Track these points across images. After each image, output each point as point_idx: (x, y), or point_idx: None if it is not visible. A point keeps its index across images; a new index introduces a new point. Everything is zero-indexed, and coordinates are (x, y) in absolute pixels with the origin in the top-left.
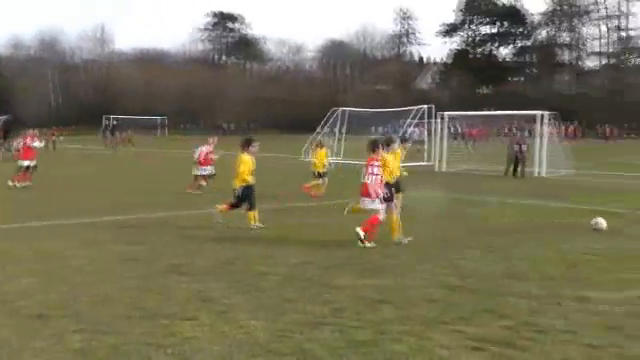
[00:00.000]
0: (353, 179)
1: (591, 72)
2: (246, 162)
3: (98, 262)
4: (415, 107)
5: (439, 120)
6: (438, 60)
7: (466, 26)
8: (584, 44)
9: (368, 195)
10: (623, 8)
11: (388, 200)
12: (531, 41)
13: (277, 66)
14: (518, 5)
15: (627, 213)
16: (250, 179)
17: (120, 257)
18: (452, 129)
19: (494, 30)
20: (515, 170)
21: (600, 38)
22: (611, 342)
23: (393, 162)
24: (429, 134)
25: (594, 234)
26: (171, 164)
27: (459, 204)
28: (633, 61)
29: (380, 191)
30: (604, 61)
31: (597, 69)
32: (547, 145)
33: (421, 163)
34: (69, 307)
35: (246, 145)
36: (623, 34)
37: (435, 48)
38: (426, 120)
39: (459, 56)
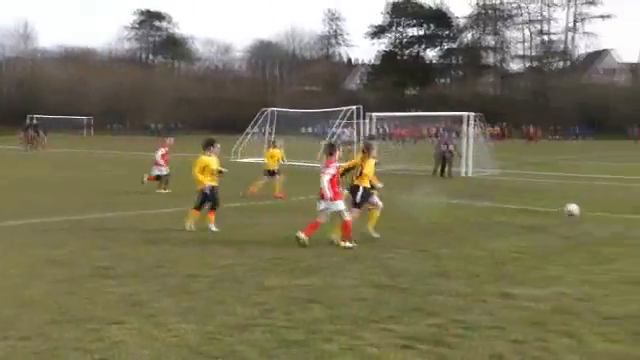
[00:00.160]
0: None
1: (515, 75)
2: (205, 164)
3: (22, 266)
4: (344, 108)
5: (367, 121)
6: (367, 61)
7: (393, 28)
8: (508, 47)
9: (325, 197)
10: (545, 13)
11: (359, 204)
12: (457, 44)
13: (205, 66)
14: (444, 8)
15: (551, 212)
16: (207, 180)
17: (45, 260)
18: (380, 130)
19: (421, 32)
20: (442, 170)
21: (524, 42)
22: (536, 337)
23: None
24: (358, 135)
25: (519, 232)
26: (99, 165)
27: (387, 204)
28: (555, 65)
29: (331, 193)
30: (527, 64)
31: (521, 72)
32: (473, 145)
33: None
34: None
35: (208, 146)
36: (545, 38)
37: (364, 49)
38: (355, 121)
39: (387, 58)
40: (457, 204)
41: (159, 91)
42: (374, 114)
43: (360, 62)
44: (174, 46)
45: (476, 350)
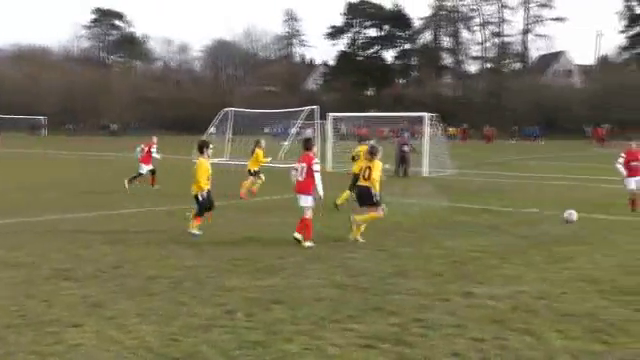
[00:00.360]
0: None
1: (473, 76)
2: (204, 168)
3: None
4: (302, 108)
5: (325, 121)
6: (327, 62)
7: (352, 29)
8: (465, 49)
9: (303, 192)
10: (501, 15)
11: (379, 202)
12: (415, 45)
13: (163, 65)
14: (401, 9)
15: (508, 211)
16: (206, 184)
17: (2, 263)
18: (341, 130)
19: (379, 33)
20: (402, 170)
21: (482, 43)
22: (496, 335)
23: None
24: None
25: (478, 232)
26: (56, 165)
27: (347, 204)
28: (511, 66)
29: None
30: (484, 65)
31: (478, 73)
32: (431, 145)
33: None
34: None
35: (205, 148)
36: (501, 40)
37: (324, 50)
38: (315, 121)
39: (344, 58)
40: (415, 204)
41: (116, 91)
42: (331, 114)
43: (320, 63)
44: (131, 45)
45: (437, 349)
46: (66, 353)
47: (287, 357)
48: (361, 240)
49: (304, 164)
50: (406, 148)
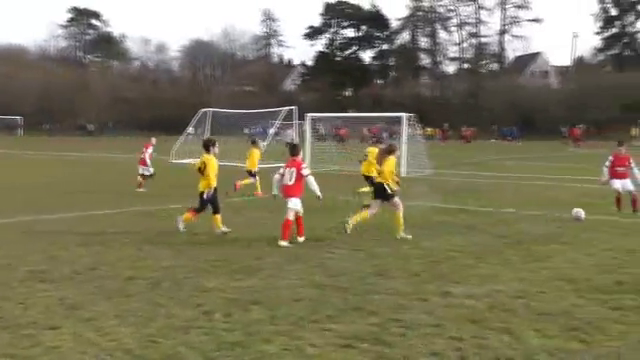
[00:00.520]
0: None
1: (450, 76)
2: (213, 165)
3: None
4: (280, 109)
5: (303, 122)
6: (305, 62)
7: (330, 29)
8: (444, 49)
9: (291, 195)
10: (478, 16)
11: (389, 197)
12: (393, 45)
13: (140, 65)
14: (380, 10)
15: (485, 211)
16: (214, 182)
17: None
18: (320, 130)
19: (357, 34)
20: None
21: (459, 44)
22: (474, 334)
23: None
24: (296, 135)
25: (455, 231)
26: (33, 166)
27: (326, 203)
28: (489, 67)
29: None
30: (462, 66)
31: (456, 74)
32: (409, 146)
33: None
34: None
35: (211, 146)
36: (478, 41)
37: (302, 51)
38: (293, 121)
39: (322, 58)
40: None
41: (93, 91)
42: (309, 115)
43: (299, 63)
44: (108, 45)
45: (416, 348)
46: (43, 355)
47: (266, 358)
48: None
49: (293, 169)
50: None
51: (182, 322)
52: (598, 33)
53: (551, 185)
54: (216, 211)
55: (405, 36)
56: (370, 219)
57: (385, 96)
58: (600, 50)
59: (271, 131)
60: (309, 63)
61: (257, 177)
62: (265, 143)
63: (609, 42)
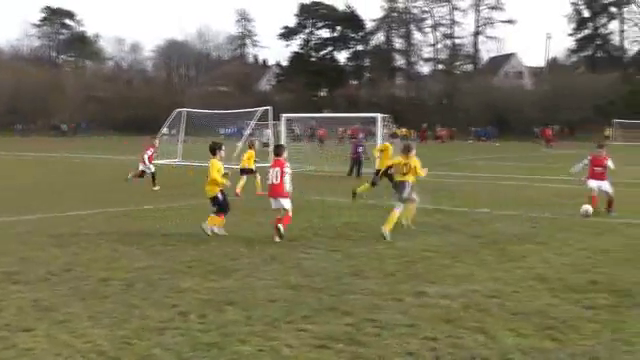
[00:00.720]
0: (190, 181)
1: (425, 77)
2: (219, 168)
3: None
4: (256, 109)
5: (278, 122)
6: (280, 63)
7: (305, 30)
8: (418, 50)
9: (281, 195)
10: (452, 17)
11: (407, 199)
12: (367, 46)
13: (114, 65)
14: (354, 10)
15: (460, 211)
16: (222, 184)
17: None
18: (295, 131)
19: (332, 34)
20: (358, 171)
21: (434, 44)
22: (449, 334)
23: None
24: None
25: (430, 231)
26: (5, 167)
27: (300, 204)
28: (463, 67)
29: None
30: (436, 67)
31: (431, 74)
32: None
33: (266, 165)
34: None
35: (217, 150)
36: (452, 42)
37: (278, 51)
38: (268, 122)
39: (297, 59)
40: (369, 204)
41: (66, 90)
42: (284, 115)
43: (274, 63)
44: (82, 44)
45: (391, 348)
46: (17, 358)
47: (242, 358)
48: (413, 227)
49: (277, 168)
50: (360, 149)
51: (157, 323)
52: (571, 34)
53: (524, 185)
54: (219, 212)
55: (380, 37)
56: (400, 217)
57: (360, 97)
58: (573, 51)
59: (246, 131)
60: (284, 63)
61: (252, 175)
62: (240, 144)
63: (582, 43)
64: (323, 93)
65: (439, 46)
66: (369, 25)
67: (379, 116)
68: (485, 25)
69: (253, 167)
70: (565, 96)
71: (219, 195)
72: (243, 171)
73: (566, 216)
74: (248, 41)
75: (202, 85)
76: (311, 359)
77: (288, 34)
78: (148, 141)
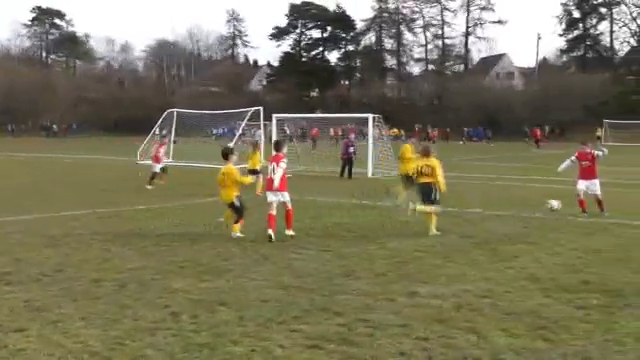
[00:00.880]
0: (185, 181)
1: (416, 77)
2: (236, 173)
3: None
4: (248, 109)
5: (269, 122)
6: (271, 63)
7: (296, 30)
8: (410, 50)
9: (278, 189)
10: (442, 17)
11: (438, 201)
12: (358, 46)
13: (105, 65)
14: (345, 11)
15: (451, 211)
16: (237, 190)
17: None
18: (288, 131)
19: (322, 35)
20: (349, 172)
21: (424, 45)
22: (441, 334)
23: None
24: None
25: (421, 231)
26: None
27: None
28: (454, 68)
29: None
30: (427, 67)
31: (422, 75)
32: (376, 146)
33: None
34: None
35: (230, 154)
36: (443, 42)
37: (269, 51)
38: (259, 122)
39: (288, 59)
40: (360, 205)
41: (57, 91)
42: (275, 115)
43: (265, 63)
44: (72, 44)
45: (383, 348)
46: (9, 358)
47: (234, 359)
48: (435, 232)
49: (274, 163)
50: (351, 149)
51: (149, 324)
52: (561, 35)
53: (516, 185)
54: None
55: (370, 37)
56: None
57: (351, 97)
58: (564, 52)
59: (238, 132)
60: (275, 64)
61: (260, 175)
62: (232, 144)
63: (572, 44)
64: (314, 93)
65: (430, 46)
66: (360, 25)
67: (370, 116)
68: (476, 26)
69: (258, 167)
70: (556, 96)
71: (236, 201)
72: (251, 172)
73: (557, 216)
74: (239, 41)
75: (193, 85)
76: (303, 359)
77: (279, 34)
78: (144, 141)
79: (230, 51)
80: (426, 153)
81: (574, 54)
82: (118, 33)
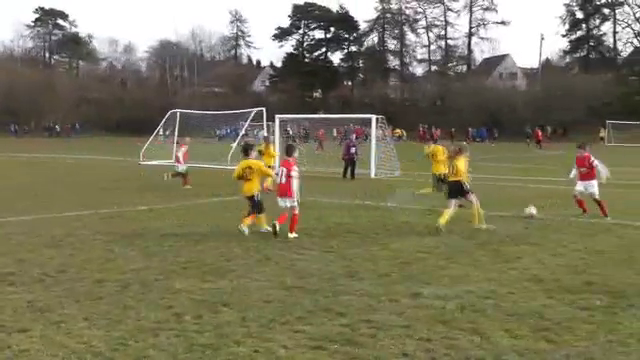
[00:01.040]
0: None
1: (419, 78)
2: (262, 165)
3: None
4: (251, 110)
5: (271, 123)
6: (274, 63)
7: (299, 31)
8: (414, 51)
9: (286, 195)
10: (446, 18)
11: (465, 193)
12: (361, 47)
13: (108, 66)
14: (348, 11)
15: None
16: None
17: None
18: (291, 132)
19: (325, 35)
20: (351, 172)
21: (427, 45)
22: (444, 335)
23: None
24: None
25: (424, 232)
26: None
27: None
28: (457, 68)
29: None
30: (430, 68)
31: (425, 75)
32: (378, 147)
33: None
34: None
35: (250, 150)
36: (446, 43)
37: (271, 52)
38: (262, 123)
39: (292, 60)
40: (362, 205)
41: (60, 91)
42: (278, 116)
43: (268, 64)
44: (75, 45)
45: (386, 349)
46: (12, 359)
47: None
48: (485, 226)
49: (284, 169)
50: (353, 150)
51: (152, 324)
52: (564, 36)
53: (518, 186)
54: (260, 211)
55: (373, 38)
56: (452, 216)
57: (354, 98)
58: (567, 52)
59: (241, 132)
60: (278, 64)
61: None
62: (234, 145)
63: (575, 45)
64: (317, 94)
65: (433, 47)
66: (363, 26)
67: (373, 117)
68: (479, 26)
69: (272, 163)
70: (559, 97)
71: (257, 195)
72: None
73: (560, 217)
74: (242, 42)
75: (196, 86)
76: None
77: (282, 35)
78: (147, 142)
79: (233, 52)
80: (459, 153)
81: (577, 55)
82: (121, 34)
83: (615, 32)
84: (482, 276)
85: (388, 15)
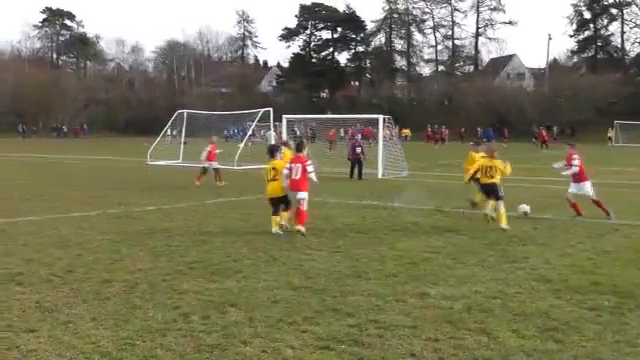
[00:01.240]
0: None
1: (426, 78)
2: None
3: None
4: (258, 110)
5: (278, 123)
6: (281, 64)
7: (306, 31)
8: (421, 51)
9: (300, 189)
10: (453, 18)
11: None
12: (368, 47)
13: (115, 66)
14: (355, 12)
15: (460, 212)
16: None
17: None
18: (298, 132)
19: (332, 35)
20: (357, 172)
21: (434, 46)
22: (451, 335)
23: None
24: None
25: (431, 232)
26: (5, 170)
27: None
28: (464, 69)
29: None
30: (437, 68)
31: (432, 76)
32: (386, 147)
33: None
34: None
35: (276, 152)
36: (453, 43)
37: (279, 52)
38: (269, 123)
39: (299, 60)
40: (370, 205)
41: (68, 92)
42: (285, 116)
43: (275, 64)
44: (83, 45)
45: (394, 349)
46: (23, 358)
47: None
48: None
49: (299, 165)
50: (359, 150)
51: (159, 324)
52: (572, 36)
53: (525, 186)
54: (287, 208)
55: (380, 38)
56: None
57: (361, 98)
58: (574, 52)
59: (249, 132)
60: (285, 65)
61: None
62: (242, 145)
63: (583, 45)
64: (324, 94)
65: (440, 47)
66: (370, 26)
67: (381, 117)
68: (486, 26)
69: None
70: (566, 97)
71: (287, 194)
72: None
73: (567, 217)
74: (249, 42)
75: (203, 86)
76: None
77: (289, 35)
78: (154, 142)
79: (240, 52)
80: (492, 154)
81: (585, 55)
82: (128, 34)
83: (623, 32)
84: (489, 276)
85: (395, 15)
